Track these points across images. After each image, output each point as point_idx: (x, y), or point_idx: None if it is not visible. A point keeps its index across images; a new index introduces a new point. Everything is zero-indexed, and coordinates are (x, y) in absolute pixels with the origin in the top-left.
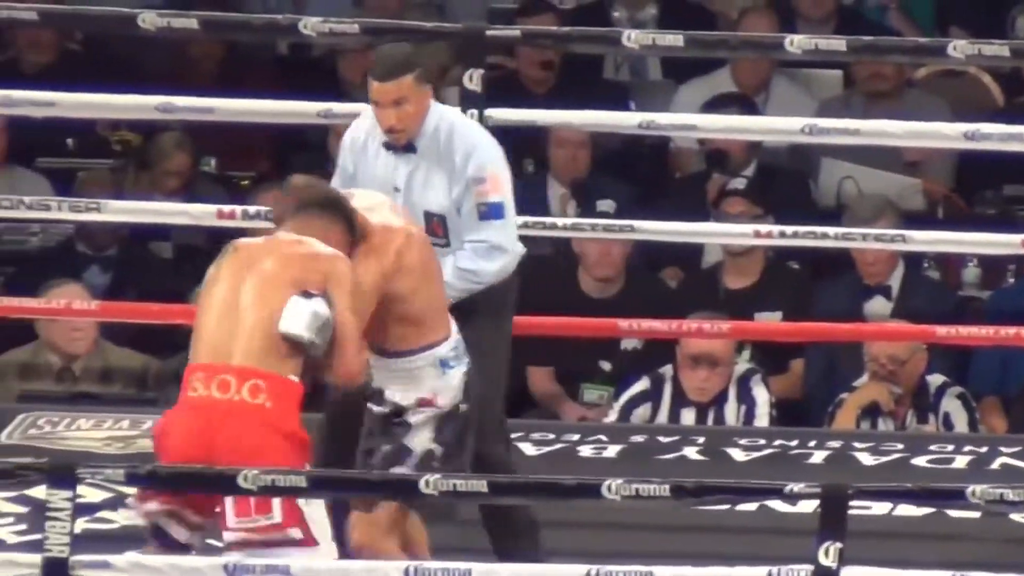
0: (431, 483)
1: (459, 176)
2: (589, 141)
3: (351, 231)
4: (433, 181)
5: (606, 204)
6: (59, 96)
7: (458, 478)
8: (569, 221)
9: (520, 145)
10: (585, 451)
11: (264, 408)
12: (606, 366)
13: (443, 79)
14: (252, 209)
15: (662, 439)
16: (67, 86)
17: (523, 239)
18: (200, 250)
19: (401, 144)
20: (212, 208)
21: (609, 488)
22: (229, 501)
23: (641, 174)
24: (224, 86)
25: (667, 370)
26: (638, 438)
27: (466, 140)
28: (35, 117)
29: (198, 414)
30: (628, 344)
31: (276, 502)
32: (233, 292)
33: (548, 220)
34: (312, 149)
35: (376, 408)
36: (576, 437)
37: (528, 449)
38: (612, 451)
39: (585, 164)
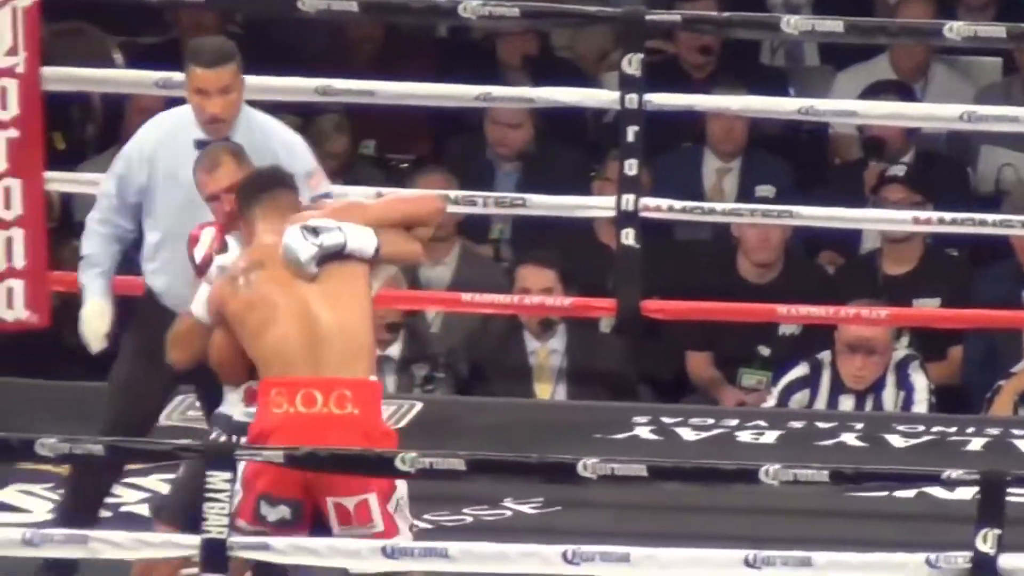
0: (588, 467)
1: None
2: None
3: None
4: None
5: (765, 189)
6: None
7: (617, 462)
8: (728, 206)
9: (675, 121)
10: (743, 436)
11: (353, 416)
12: (765, 351)
13: (602, 64)
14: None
15: (820, 425)
16: None
17: (681, 224)
18: None
19: (221, 136)
20: (371, 191)
21: (767, 473)
22: (331, 509)
23: (800, 160)
24: (383, 69)
25: (825, 356)
26: (796, 424)
27: (282, 135)
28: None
29: (289, 432)
30: (787, 329)
31: (376, 511)
32: (295, 303)
33: (707, 205)
34: (470, 131)
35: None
36: (734, 422)
37: (687, 434)
38: (770, 436)
39: (742, 136)
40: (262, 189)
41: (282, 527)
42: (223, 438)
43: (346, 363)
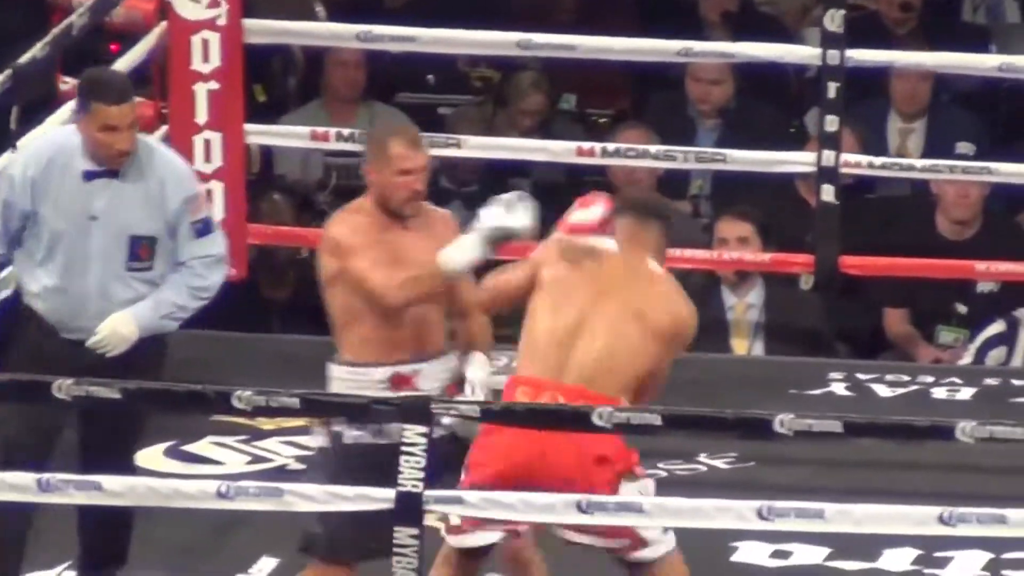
0: (784, 423)
1: (165, 198)
2: (931, 75)
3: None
4: (137, 204)
5: (965, 146)
6: (419, 31)
7: (812, 418)
8: (928, 162)
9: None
10: (939, 393)
11: (579, 435)
12: (962, 308)
13: (804, 20)
14: (611, 147)
15: (1016, 382)
16: (427, 22)
17: (880, 180)
18: (559, 187)
19: (122, 166)
20: (572, 145)
21: (963, 430)
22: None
23: (1000, 117)
24: (583, 24)
25: (1022, 313)
26: (992, 381)
27: (165, 160)
28: (395, 52)
29: (518, 433)
30: (984, 287)
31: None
32: (583, 313)
33: (905, 161)
34: (671, 87)
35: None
36: (930, 379)
37: (882, 391)
38: (966, 393)
39: (926, 96)
40: (652, 213)
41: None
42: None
43: (599, 376)
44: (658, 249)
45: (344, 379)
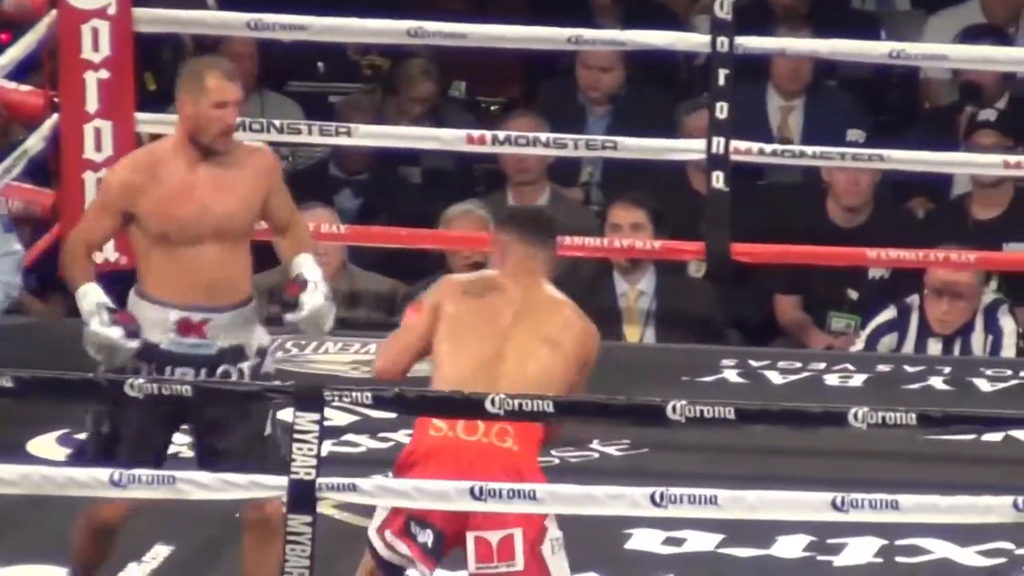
0: (677, 409)
1: None
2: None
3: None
4: None
5: (855, 133)
6: (310, 20)
7: (705, 404)
8: (818, 149)
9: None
10: (831, 379)
11: (512, 452)
12: (853, 295)
13: (694, 7)
14: (502, 135)
15: (908, 368)
16: (318, 10)
17: (772, 167)
18: (449, 174)
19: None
20: (462, 133)
21: (856, 416)
22: (471, 544)
23: (891, 103)
24: (473, 11)
25: (914, 300)
26: (884, 367)
27: None
28: (285, 41)
29: (445, 455)
30: (875, 273)
31: (519, 549)
32: (496, 345)
33: (796, 148)
34: (561, 75)
35: (239, 365)
36: (822, 366)
37: (775, 377)
38: (858, 380)
39: (808, 74)
40: (543, 236)
41: (424, 552)
42: (145, 369)
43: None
44: (550, 270)
45: (139, 310)
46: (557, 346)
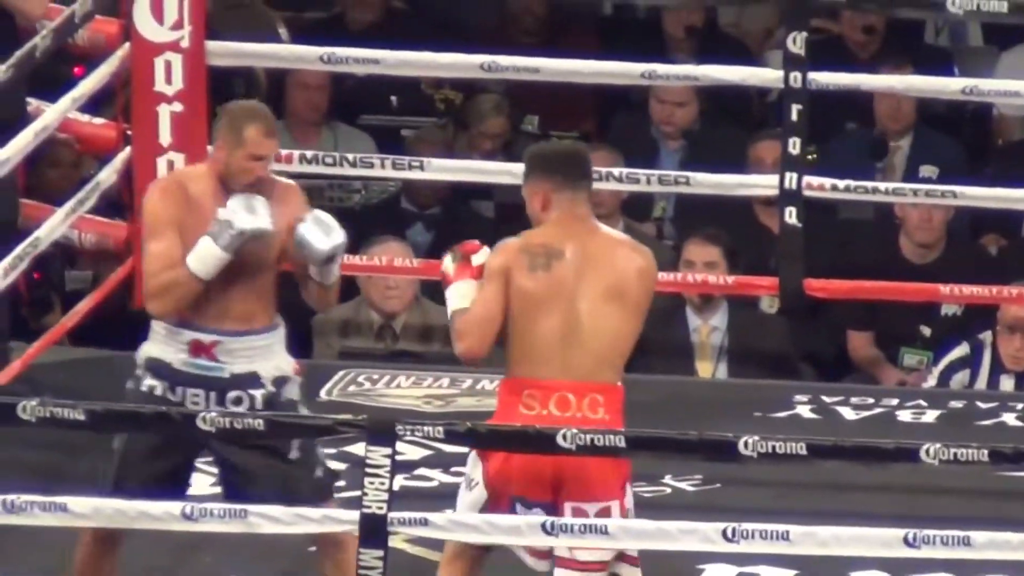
0: (749, 444)
1: None
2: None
3: None
4: None
5: (928, 169)
6: (383, 54)
7: (777, 440)
8: (891, 186)
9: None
10: (904, 416)
11: (604, 422)
12: (926, 331)
13: (767, 41)
14: None
15: (980, 405)
16: (391, 44)
17: (846, 203)
18: (522, 208)
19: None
20: None
21: (928, 452)
22: (569, 515)
23: (964, 140)
24: (546, 44)
25: (986, 336)
26: (956, 403)
27: None
28: (359, 74)
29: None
30: (948, 310)
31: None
32: (570, 310)
33: (870, 184)
34: (635, 109)
35: (250, 392)
36: (895, 402)
37: (847, 413)
38: (930, 416)
39: (910, 114)
40: (583, 174)
41: None
42: (158, 388)
43: (598, 367)
44: (593, 204)
45: (157, 333)
46: (623, 296)
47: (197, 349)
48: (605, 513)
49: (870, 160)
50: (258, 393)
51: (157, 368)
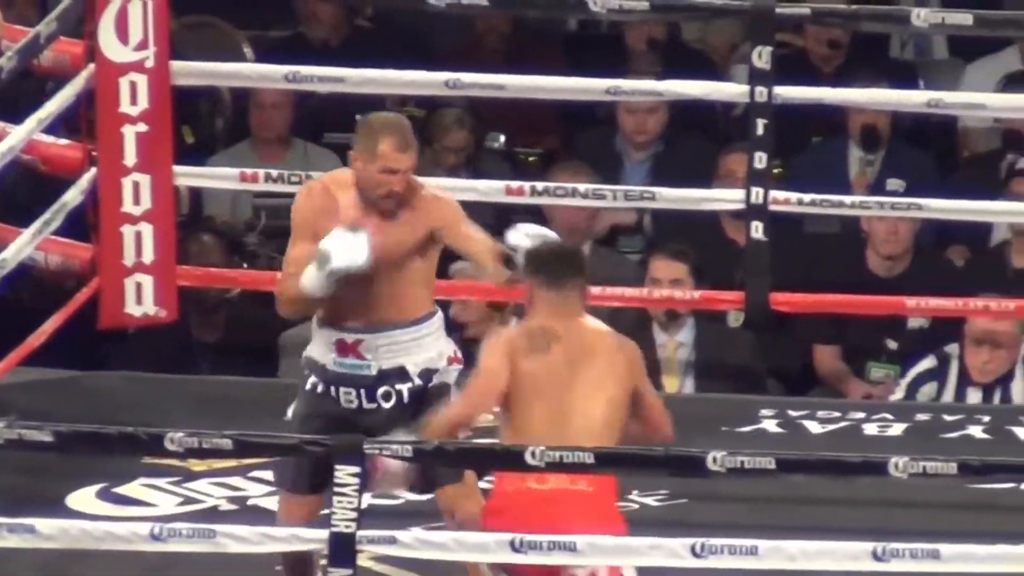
0: (717, 460)
1: None
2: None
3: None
4: None
5: (895, 183)
6: (348, 72)
7: (745, 455)
8: (857, 199)
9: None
10: (870, 429)
11: (586, 494)
12: (892, 344)
13: (732, 56)
14: (540, 185)
15: (947, 418)
16: (356, 62)
17: (812, 217)
18: (487, 227)
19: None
20: (500, 184)
21: (895, 465)
22: None
23: (929, 153)
24: (511, 62)
25: (953, 349)
26: (923, 416)
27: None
28: (324, 92)
29: (522, 508)
30: (914, 323)
31: None
32: (559, 403)
33: (835, 198)
34: (600, 125)
35: (398, 386)
36: (861, 415)
37: (814, 427)
38: (897, 429)
39: (886, 129)
40: (570, 274)
41: None
42: (320, 386)
43: (582, 444)
44: (584, 301)
45: (313, 333)
46: (613, 381)
47: (343, 348)
48: None
49: (864, 153)
50: (404, 388)
51: (314, 367)
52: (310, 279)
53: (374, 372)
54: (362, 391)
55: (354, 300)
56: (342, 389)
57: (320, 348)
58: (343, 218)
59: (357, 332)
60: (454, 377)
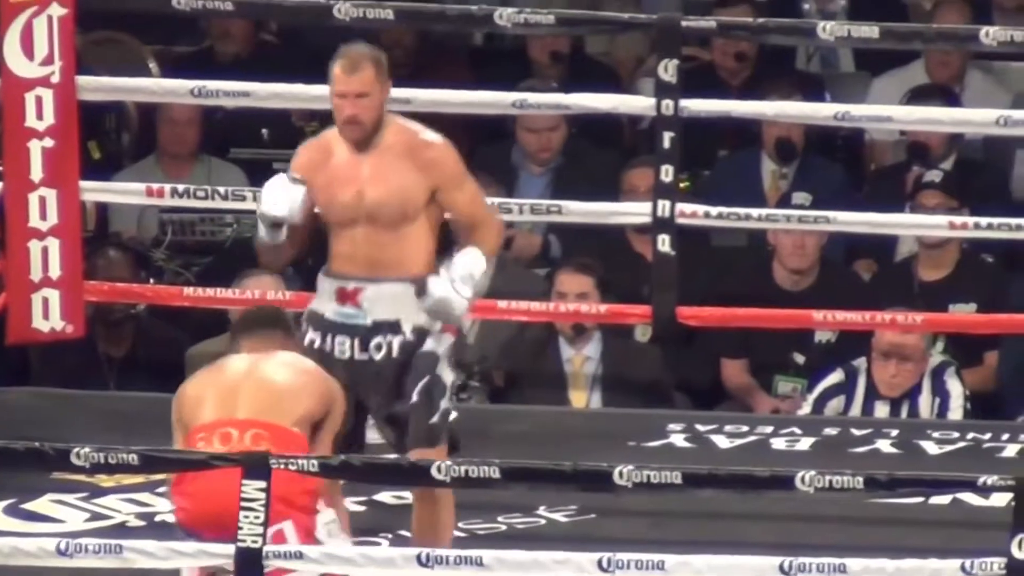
0: (624, 474)
1: None
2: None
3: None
4: None
5: (801, 196)
6: (254, 86)
7: (652, 470)
8: (764, 212)
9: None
10: (778, 443)
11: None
12: (799, 358)
13: (639, 69)
14: None
15: (855, 431)
16: (262, 76)
17: (719, 230)
18: None
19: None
20: None
21: (803, 480)
22: None
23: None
24: (416, 76)
25: (861, 363)
26: (831, 430)
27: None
28: (229, 107)
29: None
30: (822, 336)
31: (293, 539)
32: (238, 378)
33: (742, 211)
34: (505, 138)
35: (389, 338)
36: (769, 429)
37: (721, 441)
38: (805, 443)
39: (800, 142)
40: (268, 328)
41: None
42: (316, 339)
43: (269, 411)
44: (283, 346)
45: (319, 284)
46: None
47: (343, 296)
48: (278, 536)
49: (778, 165)
50: (396, 339)
51: (313, 319)
52: (261, 227)
53: (369, 322)
54: (356, 340)
55: (357, 249)
56: (337, 339)
57: (321, 298)
58: (335, 164)
59: (357, 280)
60: (446, 346)
